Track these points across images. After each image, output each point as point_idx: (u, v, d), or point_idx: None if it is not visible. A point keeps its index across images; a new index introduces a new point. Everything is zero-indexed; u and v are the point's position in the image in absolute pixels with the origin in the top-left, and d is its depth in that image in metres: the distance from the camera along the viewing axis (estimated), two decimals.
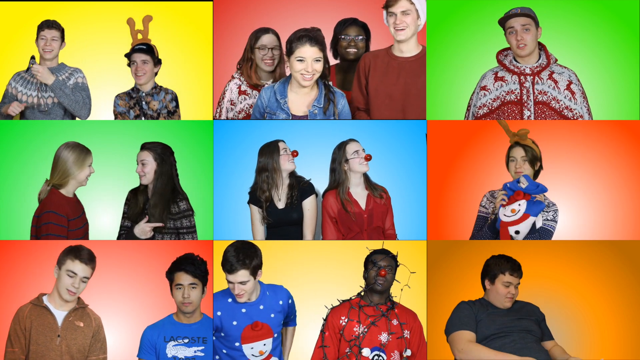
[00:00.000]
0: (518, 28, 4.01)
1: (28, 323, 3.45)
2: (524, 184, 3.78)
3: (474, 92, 4.22)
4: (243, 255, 3.38)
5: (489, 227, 3.85)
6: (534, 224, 3.76)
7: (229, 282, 3.41)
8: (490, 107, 4.14)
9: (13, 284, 4.11)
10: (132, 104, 4.36)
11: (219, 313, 3.50)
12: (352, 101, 4.17)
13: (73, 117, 4.38)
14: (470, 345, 3.53)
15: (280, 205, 3.97)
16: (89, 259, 3.51)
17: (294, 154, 3.98)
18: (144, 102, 4.35)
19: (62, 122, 4.31)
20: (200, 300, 3.56)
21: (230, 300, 3.52)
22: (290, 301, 3.63)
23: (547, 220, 3.82)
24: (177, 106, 4.40)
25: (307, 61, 3.77)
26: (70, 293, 3.48)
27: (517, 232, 3.71)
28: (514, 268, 3.66)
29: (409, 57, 4.05)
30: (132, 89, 4.39)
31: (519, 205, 3.74)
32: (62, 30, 4.34)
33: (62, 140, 3.82)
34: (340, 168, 3.96)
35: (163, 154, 3.87)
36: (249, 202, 4.01)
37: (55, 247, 3.61)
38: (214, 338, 3.55)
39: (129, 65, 4.35)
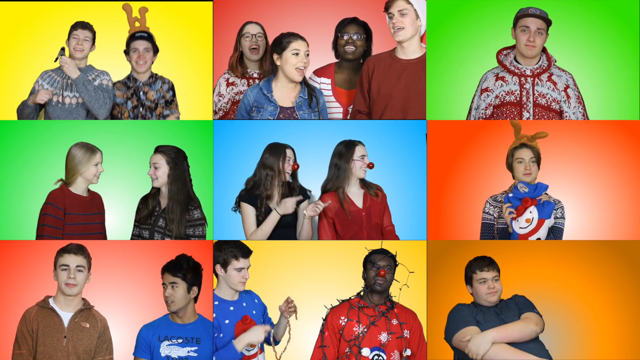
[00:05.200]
0: (533, 29, 4.00)
1: (35, 325, 3.45)
2: (524, 189, 3.76)
3: (475, 95, 4.22)
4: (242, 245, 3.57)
5: (501, 239, 3.85)
6: None
7: (238, 269, 3.50)
8: (494, 105, 4.14)
9: (14, 284, 4.12)
10: (130, 94, 4.34)
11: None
12: (354, 104, 4.18)
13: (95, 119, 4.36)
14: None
15: (273, 206, 3.96)
16: (77, 249, 3.53)
17: (294, 166, 3.98)
18: (141, 92, 4.33)
19: (62, 122, 4.29)
20: (184, 300, 3.50)
21: (217, 302, 3.56)
22: (257, 300, 3.69)
23: (557, 218, 3.83)
24: (174, 95, 4.38)
25: (301, 53, 3.98)
26: (69, 285, 3.49)
27: (538, 239, 3.70)
28: (483, 264, 3.62)
29: (412, 60, 4.05)
30: (128, 78, 4.36)
31: (530, 212, 3.72)
32: (94, 33, 4.31)
33: (62, 141, 3.85)
34: (346, 166, 3.95)
35: (176, 158, 3.84)
36: (240, 202, 3.97)
37: (56, 247, 3.61)
38: (220, 335, 3.56)
39: (125, 52, 4.33)
